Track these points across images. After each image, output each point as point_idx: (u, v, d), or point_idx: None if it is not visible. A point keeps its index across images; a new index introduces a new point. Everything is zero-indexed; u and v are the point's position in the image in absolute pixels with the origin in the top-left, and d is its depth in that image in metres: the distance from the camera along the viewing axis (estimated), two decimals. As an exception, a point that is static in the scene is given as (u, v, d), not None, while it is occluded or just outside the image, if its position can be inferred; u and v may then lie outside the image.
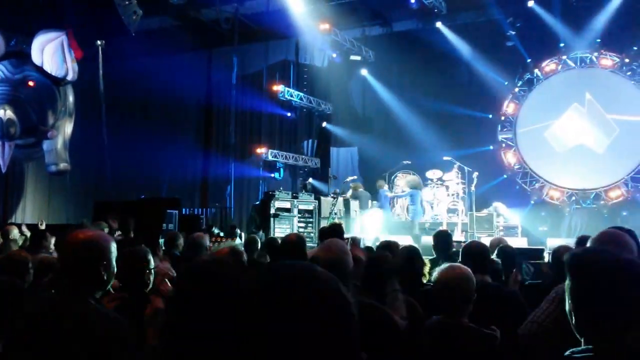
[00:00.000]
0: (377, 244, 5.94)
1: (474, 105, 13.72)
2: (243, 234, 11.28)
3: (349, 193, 12.51)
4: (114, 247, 2.19)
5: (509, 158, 13.98)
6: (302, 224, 12.46)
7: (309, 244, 4.15)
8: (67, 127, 13.52)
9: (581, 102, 13.21)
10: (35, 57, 12.41)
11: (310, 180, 15.55)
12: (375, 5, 14.57)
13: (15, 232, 7.10)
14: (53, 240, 5.58)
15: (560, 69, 13.65)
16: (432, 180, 13.24)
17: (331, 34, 14.01)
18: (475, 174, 11.99)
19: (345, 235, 6.35)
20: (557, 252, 4.14)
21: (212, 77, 17.16)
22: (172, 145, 16.39)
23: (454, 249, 5.14)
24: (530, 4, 13.01)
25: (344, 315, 0.90)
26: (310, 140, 16.53)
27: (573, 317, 1.75)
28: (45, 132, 12.89)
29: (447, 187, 12.97)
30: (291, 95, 15.41)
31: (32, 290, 3.24)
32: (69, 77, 12.80)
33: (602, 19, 12.53)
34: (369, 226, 11.62)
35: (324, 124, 16.35)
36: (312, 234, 11.74)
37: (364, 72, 15.56)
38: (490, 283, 3.52)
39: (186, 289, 1.81)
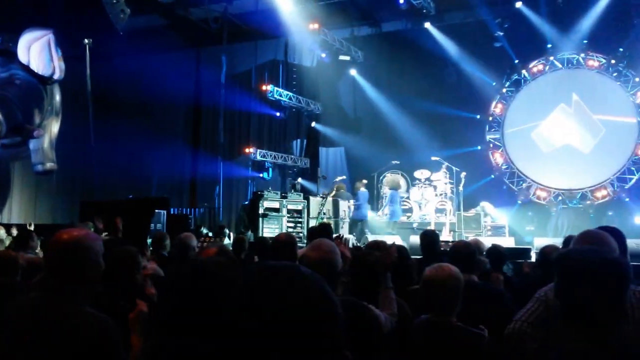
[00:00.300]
0: (366, 243, 5.95)
1: (462, 105, 13.80)
2: (232, 234, 11.26)
3: (332, 193, 12.56)
4: (100, 246, 2.18)
5: (497, 158, 14.08)
6: (291, 224, 12.46)
7: (298, 244, 4.16)
8: (54, 127, 13.38)
9: (568, 103, 13.33)
10: (22, 56, 12.27)
11: (300, 180, 15.54)
12: (364, 6, 14.59)
13: (2, 232, 7.03)
14: (39, 241, 5.53)
15: (547, 69, 13.77)
16: (420, 180, 13.29)
17: (320, 33, 14.01)
18: (463, 174, 12.06)
19: (334, 235, 6.35)
20: (545, 252, 4.17)
21: (200, 77, 17.09)
22: (160, 145, 16.30)
23: (442, 249, 5.16)
24: (518, 5, 13.10)
25: (328, 315, 0.90)
26: (299, 140, 16.52)
27: (561, 314, 1.77)
28: (32, 131, 12.75)
29: (435, 187, 13.03)
30: (280, 95, 15.39)
31: (20, 290, 3.21)
32: (56, 76, 12.66)
33: (588, 20, 12.66)
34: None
35: (313, 124, 16.35)
36: (301, 234, 11.73)
37: (352, 72, 15.58)
38: (478, 282, 3.54)
39: (182, 288, 1.80)
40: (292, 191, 13.90)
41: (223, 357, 0.89)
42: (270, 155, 15.51)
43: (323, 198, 12.57)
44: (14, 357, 1.92)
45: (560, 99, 13.41)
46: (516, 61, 13.83)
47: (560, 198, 13.26)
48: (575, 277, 1.74)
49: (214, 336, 0.91)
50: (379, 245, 4.44)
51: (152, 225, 9.41)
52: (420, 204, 13.09)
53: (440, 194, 12.81)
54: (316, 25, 13.71)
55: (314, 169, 16.12)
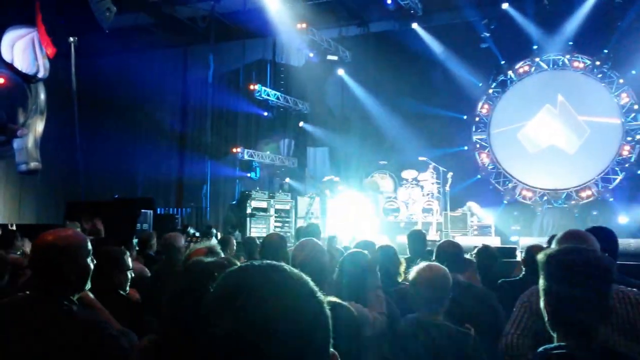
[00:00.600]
0: (354, 243, 5.95)
1: (449, 105, 13.86)
2: (219, 234, 11.21)
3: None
4: (86, 247, 2.15)
5: (483, 158, 14.17)
6: (279, 224, 12.45)
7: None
8: (39, 126, 13.21)
9: (553, 104, 13.46)
10: (5, 54, 12.08)
11: (288, 180, 15.52)
12: (352, 6, 14.61)
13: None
14: (27, 242, 5.45)
15: (533, 70, 13.89)
16: (407, 180, 13.34)
17: (308, 33, 13.99)
18: (450, 174, 12.12)
19: (322, 235, 6.35)
20: (530, 251, 4.21)
21: (187, 76, 16.99)
22: (146, 144, 16.19)
23: (428, 248, 5.18)
24: (505, 6, 13.19)
25: (316, 315, 0.89)
26: (287, 140, 16.49)
27: (546, 314, 1.78)
28: (16, 131, 12.58)
29: (422, 187, 13.08)
30: (268, 95, 15.34)
31: (7, 290, 3.18)
32: (40, 75, 12.50)
33: (574, 22, 12.78)
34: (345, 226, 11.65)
35: (301, 124, 16.33)
36: (288, 234, 11.72)
37: (340, 72, 15.58)
38: (463, 282, 3.56)
39: (186, 288, 1.82)
40: (280, 191, 13.89)
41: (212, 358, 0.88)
42: (258, 155, 15.46)
43: (311, 198, 12.59)
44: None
45: (546, 99, 13.53)
46: (502, 62, 13.94)
47: (545, 198, 13.38)
48: (560, 276, 1.75)
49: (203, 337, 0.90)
50: (367, 245, 4.45)
51: (139, 225, 9.35)
52: (408, 204, 13.14)
53: (427, 194, 12.87)
54: (304, 25, 13.70)
55: (301, 169, 16.12)
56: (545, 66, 13.74)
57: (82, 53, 13.47)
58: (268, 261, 0.94)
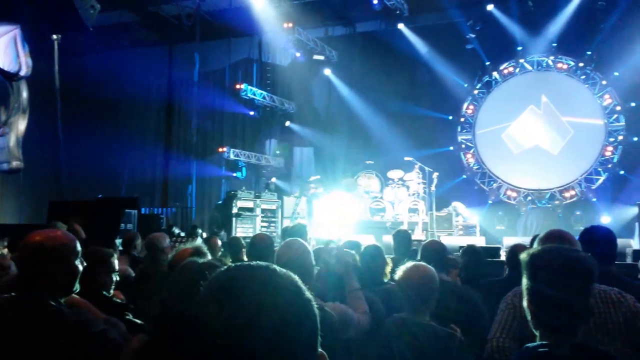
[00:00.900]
0: (340, 243, 5.95)
1: (435, 106, 13.94)
2: (205, 234, 11.15)
3: (311, 192, 12.62)
4: (75, 248, 2.13)
5: (469, 159, 14.27)
6: (265, 224, 12.41)
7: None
8: (21, 124, 13.03)
9: (537, 105, 13.59)
10: (-14, 51, 11.92)
11: (274, 179, 15.49)
12: (338, 6, 14.61)
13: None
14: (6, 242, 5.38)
15: (517, 71, 14.01)
16: (393, 180, 13.38)
17: (294, 33, 13.97)
18: (436, 174, 12.18)
19: (309, 235, 6.34)
20: (513, 250, 4.24)
21: (173, 74, 16.87)
22: (131, 143, 16.04)
23: (414, 248, 5.20)
24: (490, 7, 13.28)
25: (304, 315, 0.90)
26: (273, 140, 16.45)
27: (529, 313, 1.79)
28: (-3, 129, 12.40)
29: (408, 187, 13.13)
30: (254, 94, 15.28)
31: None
32: (23, 73, 12.34)
33: (558, 24, 12.91)
34: (332, 226, 11.66)
35: (287, 123, 16.30)
36: (274, 234, 11.69)
37: (327, 72, 15.58)
38: (448, 281, 3.58)
39: (180, 289, 1.81)
40: (266, 191, 13.85)
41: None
42: (244, 155, 15.40)
43: (297, 197, 12.58)
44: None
45: (530, 100, 13.66)
46: (487, 63, 14.04)
47: (529, 198, 13.50)
48: (541, 276, 1.77)
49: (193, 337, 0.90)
50: (353, 245, 4.46)
51: (123, 225, 9.26)
52: (393, 204, 13.18)
53: (413, 194, 12.91)
54: (290, 25, 13.67)
55: (288, 169, 16.09)
56: (529, 67, 13.86)
57: (66, 51, 13.32)
58: (257, 262, 0.95)
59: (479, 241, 10.28)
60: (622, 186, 12.52)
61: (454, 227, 12.14)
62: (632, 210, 11.21)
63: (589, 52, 13.07)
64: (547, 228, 3.03)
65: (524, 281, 1.82)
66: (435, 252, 3.70)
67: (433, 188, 12.14)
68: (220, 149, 15.14)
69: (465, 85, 14.21)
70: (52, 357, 1.88)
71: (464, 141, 14.34)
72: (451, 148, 14.29)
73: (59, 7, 11.73)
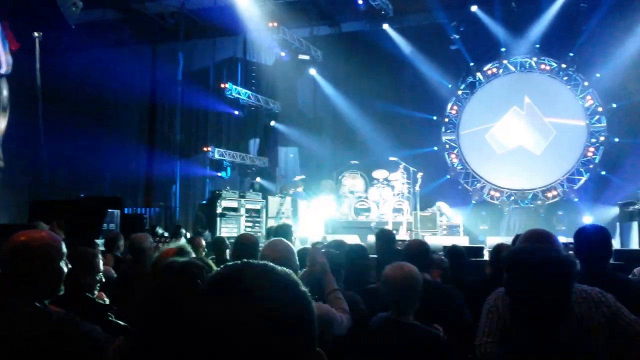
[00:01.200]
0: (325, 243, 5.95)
1: (419, 106, 14.01)
2: (189, 234, 11.08)
3: (291, 191, 12.66)
4: (60, 249, 2.10)
5: (453, 159, 14.37)
6: (250, 224, 12.38)
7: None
8: (1, 123, 12.81)
9: (520, 106, 13.72)
10: (-34, 48, 11.72)
11: (258, 179, 15.44)
12: (323, 5, 14.62)
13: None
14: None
15: (501, 72, 14.14)
16: (378, 180, 13.43)
17: (279, 32, 13.95)
18: (420, 174, 12.25)
19: (294, 235, 6.34)
20: (496, 250, 4.27)
21: (156, 73, 16.72)
22: (114, 142, 15.86)
23: (398, 247, 5.22)
24: (474, 9, 13.38)
25: (303, 312, 0.91)
26: (258, 139, 16.40)
27: (510, 312, 1.81)
28: (-24, 128, 12.19)
29: (392, 187, 13.18)
30: (238, 93, 15.22)
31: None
32: (3, 70, 12.14)
33: (541, 25, 13.05)
34: (315, 226, 11.67)
35: (272, 123, 16.27)
36: (259, 234, 11.66)
37: (312, 71, 15.58)
38: (431, 281, 3.59)
39: (160, 289, 1.80)
40: (251, 190, 13.81)
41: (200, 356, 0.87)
42: (229, 154, 15.33)
43: (282, 197, 12.56)
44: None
45: (513, 101, 13.79)
46: (471, 64, 14.15)
47: (512, 198, 13.64)
48: (521, 274, 1.79)
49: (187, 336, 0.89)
50: (337, 244, 4.46)
51: (105, 225, 9.16)
52: (378, 204, 13.22)
53: (398, 194, 12.97)
54: (275, 24, 13.65)
55: (272, 169, 16.05)
56: (512, 68, 14.00)
57: (48, 49, 13.14)
58: (258, 261, 0.96)
59: (463, 241, 10.36)
60: (604, 187, 12.68)
61: (438, 227, 12.23)
62: (614, 211, 11.35)
63: (571, 54, 13.23)
64: (529, 228, 3.06)
65: (505, 279, 1.84)
66: (418, 251, 3.72)
67: (417, 188, 12.21)
68: (204, 149, 15.06)
69: (450, 85, 14.30)
70: (37, 358, 1.86)
71: (448, 141, 14.44)
72: (435, 148, 14.38)
73: (41, 4, 11.57)
